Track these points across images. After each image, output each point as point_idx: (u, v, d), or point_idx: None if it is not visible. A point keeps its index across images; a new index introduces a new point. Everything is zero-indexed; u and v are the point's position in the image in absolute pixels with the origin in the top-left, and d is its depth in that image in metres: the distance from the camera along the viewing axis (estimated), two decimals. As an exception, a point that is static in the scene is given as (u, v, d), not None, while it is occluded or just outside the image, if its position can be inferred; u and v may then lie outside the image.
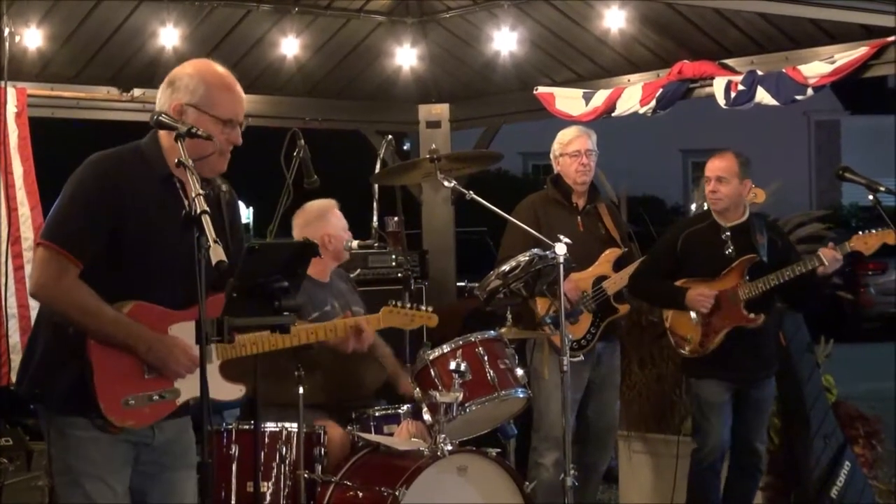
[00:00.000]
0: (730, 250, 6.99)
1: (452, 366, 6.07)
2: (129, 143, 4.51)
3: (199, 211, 4.05)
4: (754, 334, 6.99)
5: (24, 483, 7.39)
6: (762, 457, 7.22)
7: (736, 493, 7.22)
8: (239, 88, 4.53)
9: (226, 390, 4.63)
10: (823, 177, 35.45)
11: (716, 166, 7.02)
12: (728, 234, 7.02)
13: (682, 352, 7.12)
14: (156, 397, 4.38)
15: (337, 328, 5.86)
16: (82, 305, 4.26)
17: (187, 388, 4.40)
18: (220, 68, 4.52)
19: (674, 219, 10.12)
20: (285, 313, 4.34)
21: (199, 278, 4.06)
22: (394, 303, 6.16)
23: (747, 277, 6.95)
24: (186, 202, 4.39)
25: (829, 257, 6.76)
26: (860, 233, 6.86)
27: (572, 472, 6.25)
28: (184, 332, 4.41)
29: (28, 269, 7.65)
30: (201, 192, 4.09)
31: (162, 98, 4.47)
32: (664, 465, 7.95)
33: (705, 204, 7.34)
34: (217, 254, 3.98)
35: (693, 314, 7.00)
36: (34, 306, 7.49)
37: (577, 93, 9.00)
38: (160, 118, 4.31)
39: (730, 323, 6.94)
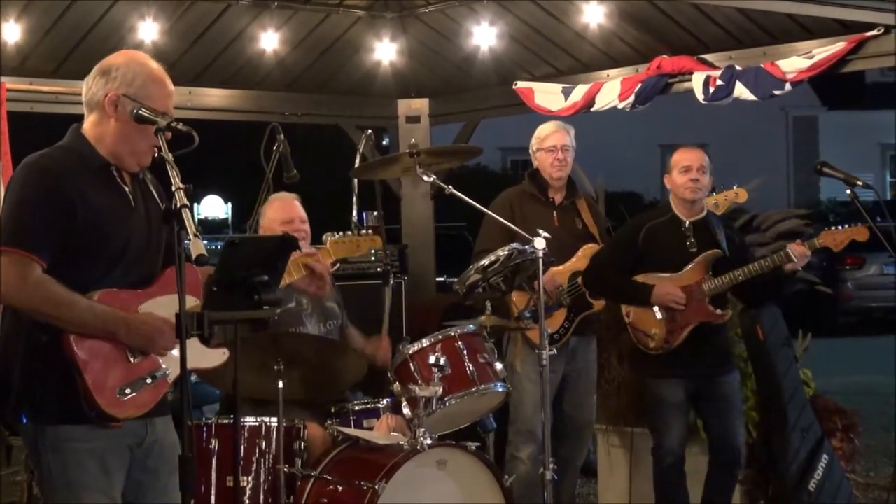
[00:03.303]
0: (691, 245, 6.97)
1: (432, 360, 6.07)
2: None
3: (179, 205, 4.05)
4: (712, 330, 6.99)
5: (5, 478, 7.37)
6: (742, 452, 7.21)
7: (716, 490, 7.20)
8: (170, 84, 4.50)
9: (210, 357, 4.57)
10: (801, 172, 35.55)
11: (697, 157, 6.98)
12: (689, 228, 7.00)
13: (645, 348, 7.04)
14: (149, 380, 4.36)
15: (290, 269, 5.84)
16: (55, 298, 4.22)
17: (174, 365, 4.35)
18: (153, 62, 4.50)
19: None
20: (265, 307, 4.36)
21: (178, 273, 4.06)
22: (335, 233, 6.14)
23: (710, 273, 6.97)
24: (127, 189, 4.44)
25: (798, 253, 6.75)
26: (829, 229, 6.87)
27: (552, 464, 6.28)
28: (152, 309, 4.39)
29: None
30: (181, 186, 4.09)
31: (94, 87, 4.44)
32: (643, 459, 7.93)
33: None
34: (197, 248, 4.00)
35: (657, 310, 6.95)
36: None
37: (557, 88, 9.01)
38: (140, 112, 4.29)
39: (696, 319, 6.91)
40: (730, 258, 6.94)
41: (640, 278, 7.03)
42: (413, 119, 10.20)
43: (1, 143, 7.94)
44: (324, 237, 6.55)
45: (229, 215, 32.64)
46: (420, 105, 10.24)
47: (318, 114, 10.11)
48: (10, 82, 8.22)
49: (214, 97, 9.34)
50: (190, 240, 4.01)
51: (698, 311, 6.92)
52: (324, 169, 13.52)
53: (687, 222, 7.02)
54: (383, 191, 9.05)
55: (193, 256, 4.01)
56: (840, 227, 6.82)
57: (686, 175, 6.98)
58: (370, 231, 6.24)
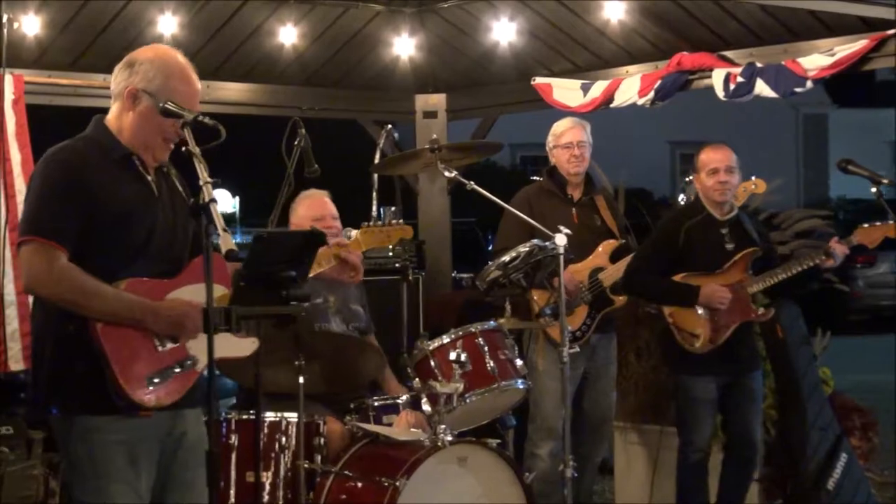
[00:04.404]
0: (730, 244, 6.98)
1: (453, 356, 6.03)
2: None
3: (207, 199, 4.04)
4: (745, 327, 6.99)
5: (20, 472, 7.36)
6: (758, 449, 7.20)
7: (731, 486, 7.20)
8: (196, 81, 4.50)
9: (240, 346, 4.54)
10: (811, 169, 35.56)
11: (725, 157, 6.99)
12: (726, 227, 7.02)
13: (691, 348, 7.02)
14: (177, 369, 4.34)
15: (320, 259, 5.79)
16: (81, 286, 4.21)
17: (203, 354, 4.28)
18: (181, 58, 4.50)
19: (661, 211, 10.06)
20: (292, 302, 4.34)
21: (206, 268, 4.05)
22: (367, 223, 6.09)
23: (750, 271, 6.95)
24: (150, 178, 4.44)
25: (839, 252, 6.78)
26: (864, 226, 6.85)
27: (571, 462, 6.27)
28: (179, 297, 4.38)
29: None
30: (209, 180, 4.09)
31: (118, 78, 4.46)
32: (660, 457, 7.94)
33: (691, 195, 7.35)
34: (227, 242, 3.99)
35: (700, 310, 6.94)
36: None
37: (575, 83, 8.95)
38: (166, 106, 4.30)
39: (739, 318, 6.93)
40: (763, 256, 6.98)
41: (679, 279, 7.03)
42: (430, 114, 10.12)
43: (20, 135, 7.91)
44: (344, 231, 6.53)
45: (237, 209, 32.62)
46: (437, 100, 10.16)
47: (336, 108, 10.02)
48: (28, 75, 8.18)
49: (232, 91, 9.30)
50: (220, 234, 4.01)
51: (742, 311, 6.95)
52: (338, 164, 13.45)
53: (723, 221, 7.03)
54: (399, 186, 9.04)
55: (223, 251, 4.01)
56: (875, 224, 6.81)
57: (714, 177, 6.99)
58: (401, 221, 6.19)
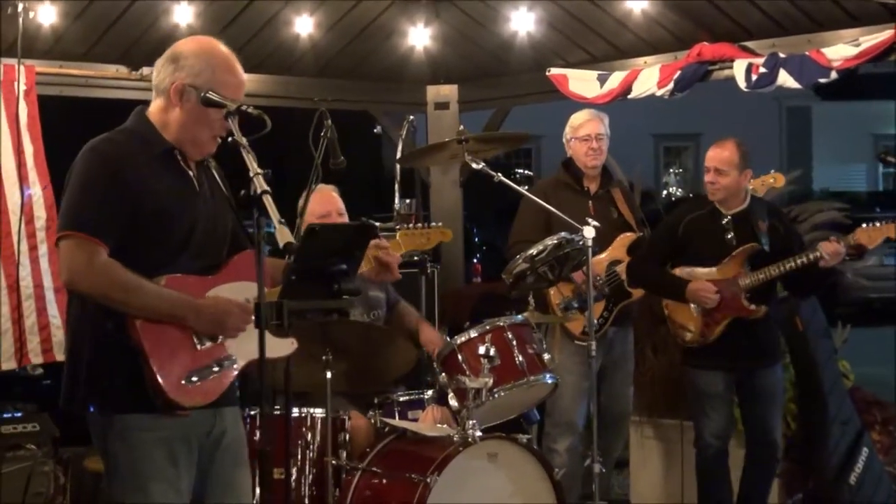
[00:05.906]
0: (731, 238, 6.93)
1: (482, 350, 5.98)
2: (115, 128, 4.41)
3: (259, 191, 3.96)
4: (754, 323, 6.92)
5: (30, 468, 7.31)
6: (778, 447, 7.14)
7: (752, 484, 7.18)
8: (241, 72, 4.43)
9: (279, 347, 4.42)
10: (795, 162, 35.54)
11: (715, 157, 6.94)
12: (729, 221, 6.96)
13: (682, 341, 7.08)
14: (216, 368, 4.25)
15: None
16: (123, 282, 4.12)
17: (242, 353, 4.26)
18: (224, 49, 4.42)
19: (644, 204, 10.16)
20: (344, 297, 4.26)
21: (257, 260, 3.98)
22: (406, 226, 6.02)
23: (748, 267, 6.90)
24: (191, 173, 4.37)
25: (829, 251, 6.69)
26: (864, 225, 6.80)
27: (589, 457, 6.32)
28: (220, 295, 4.31)
29: (42, 248, 7.51)
30: (260, 171, 4.02)
31: (162, 73, 4.37)
32: (676, 451, 7.93)
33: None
34: (284, 235, 3.92)
35: (692, 305, 6.94)
36: (48, 286, 7.44)
37: (592, 74, 8.87)
38: (208, 95, 4.23)
39: (731, 314, 6.88)
40: (772, 249, 6.88)
41: (678, 272, 7.03)
42: (442, 105, 10.03)
43: (32, 127, 7.80)
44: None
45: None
46: (449, 91, 10.06)
47: (348, 100, 9.89)
48: (40, 65, 8.06)
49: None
50: (275, 227, 3.93)
51: (733, 306, 6.89)
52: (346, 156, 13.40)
53: (728, 215, 6.97)
54: (407, 178, 8.95)
55: (280, 244, 3.94)
56: (875, 224, 6.76)
57: (706, 175, 7.01)
58: (440, 224, 6.12)
